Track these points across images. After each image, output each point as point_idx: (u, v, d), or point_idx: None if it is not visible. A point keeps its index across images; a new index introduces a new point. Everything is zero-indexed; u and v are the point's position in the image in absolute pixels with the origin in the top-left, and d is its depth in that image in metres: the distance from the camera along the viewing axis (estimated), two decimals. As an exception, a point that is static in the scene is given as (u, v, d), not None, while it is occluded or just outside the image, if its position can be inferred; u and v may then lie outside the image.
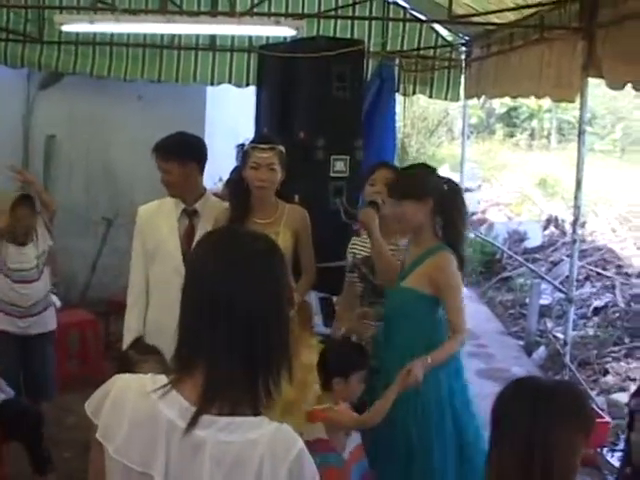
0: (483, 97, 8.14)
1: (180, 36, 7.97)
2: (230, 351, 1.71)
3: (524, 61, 6.31)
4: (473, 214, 15.08)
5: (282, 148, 4.18)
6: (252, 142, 4.25)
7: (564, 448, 2.15)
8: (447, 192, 3.87)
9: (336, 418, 3.61)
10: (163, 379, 1.74)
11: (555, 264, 11.49)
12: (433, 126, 20.86)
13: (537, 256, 12.15)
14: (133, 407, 1.71)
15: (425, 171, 4.03)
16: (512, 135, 25.53)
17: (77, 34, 7.80)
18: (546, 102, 20.40)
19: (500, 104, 23.37)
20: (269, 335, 1.73)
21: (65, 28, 6.42)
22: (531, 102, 21.86)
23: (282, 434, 1.70)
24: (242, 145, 4.36)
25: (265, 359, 1.73)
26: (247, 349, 1.71)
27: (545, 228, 13.73)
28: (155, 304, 4.39)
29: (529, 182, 18.72)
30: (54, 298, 6.98)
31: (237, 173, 4.47)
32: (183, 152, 4.30)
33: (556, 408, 2.17)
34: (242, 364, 1.70)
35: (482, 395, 6.66)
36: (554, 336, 8.46)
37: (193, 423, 1.65)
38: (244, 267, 1.75)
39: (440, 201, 3.83)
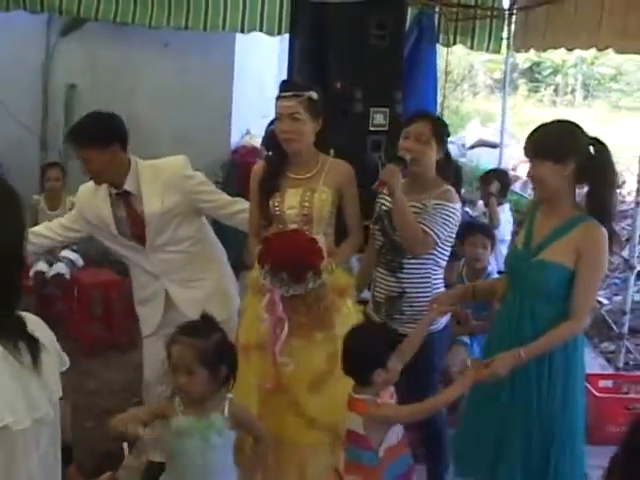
0: (531, 50, 7.66)
1: (209, -20, 7.53)
2: None
3: (580, 10, 5.84)
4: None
5: (311, 94, 3.82)
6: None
7: None
8: (593, 155, 3.36)
9: (388, 414, 3.18)
10: None
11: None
12: (458, 79, 20.43)
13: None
14: None
15: (568, 127, 3.42)
16: (536, 90, 24.97)
17: (100, -22, 7.43)
18: (571, 57, 19.89)
19: (524, 59, 22.78)
20: None
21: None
22: (555, 57, 21.26)
23: None
24: None
25: None
26: None
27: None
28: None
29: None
30: (74, 256, 6.70)
31: (272, 127, 4.17)
32: (102, 135, 3.94)
33: None
34: None
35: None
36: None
37: None
38: None
39: (584, 165, 3.33)
